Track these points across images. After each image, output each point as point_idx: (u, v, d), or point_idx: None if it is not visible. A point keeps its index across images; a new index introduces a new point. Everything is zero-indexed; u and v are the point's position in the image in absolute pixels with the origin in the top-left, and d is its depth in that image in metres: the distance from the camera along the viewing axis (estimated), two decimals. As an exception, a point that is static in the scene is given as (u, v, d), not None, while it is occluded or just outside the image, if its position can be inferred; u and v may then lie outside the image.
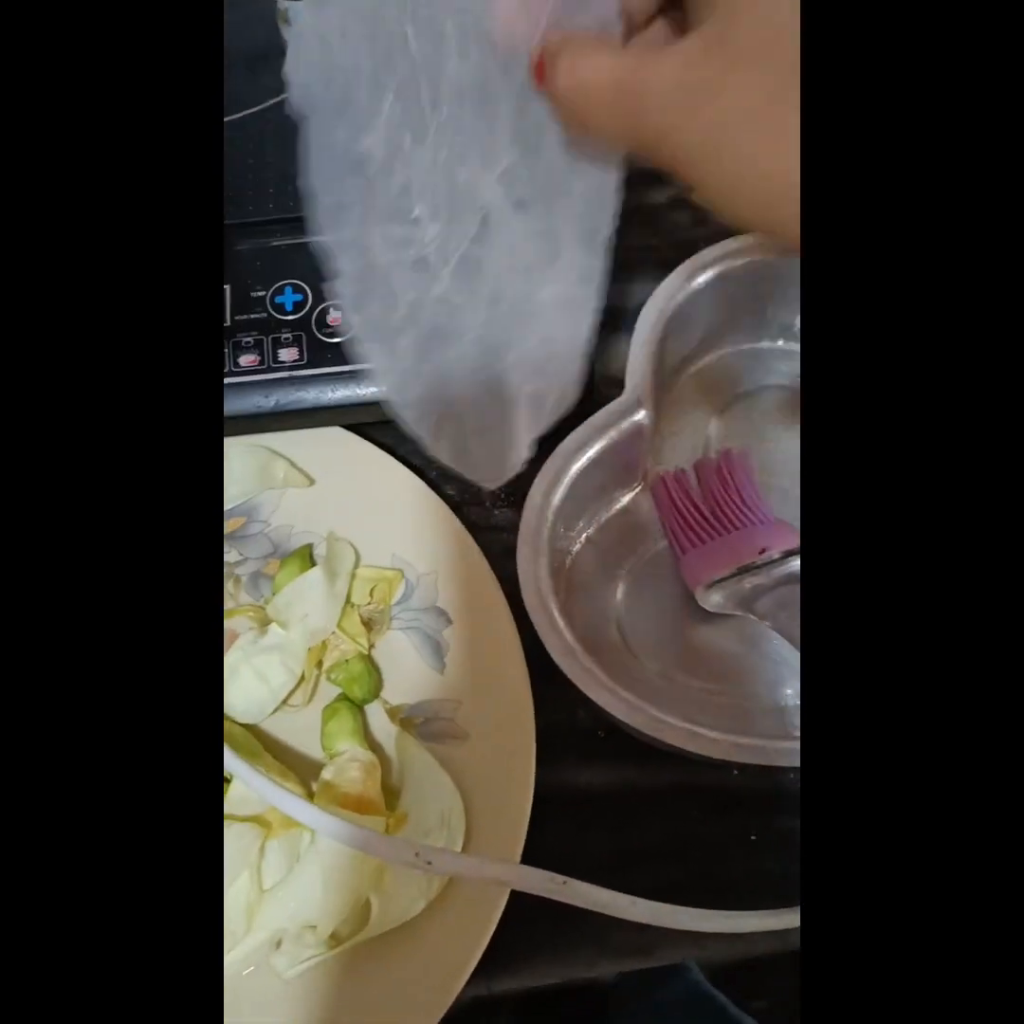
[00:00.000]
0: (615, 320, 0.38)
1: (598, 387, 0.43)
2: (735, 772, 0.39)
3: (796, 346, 0.43)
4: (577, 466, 0.37)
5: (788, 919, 0.34)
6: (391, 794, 0.37)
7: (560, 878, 0.32)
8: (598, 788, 0.39)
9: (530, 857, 0.36)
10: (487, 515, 0.43)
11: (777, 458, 0.42)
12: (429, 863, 0.32)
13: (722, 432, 0.42)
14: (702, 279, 0.39)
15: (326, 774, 0.37)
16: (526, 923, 0.36)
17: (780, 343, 0.44)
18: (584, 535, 0.40)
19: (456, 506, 0.42)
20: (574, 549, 0.40)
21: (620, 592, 0.40)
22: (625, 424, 0.37)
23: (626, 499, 0.41)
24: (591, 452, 0.37)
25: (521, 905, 0.34)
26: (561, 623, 0.34)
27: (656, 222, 0.49)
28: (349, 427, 0.42)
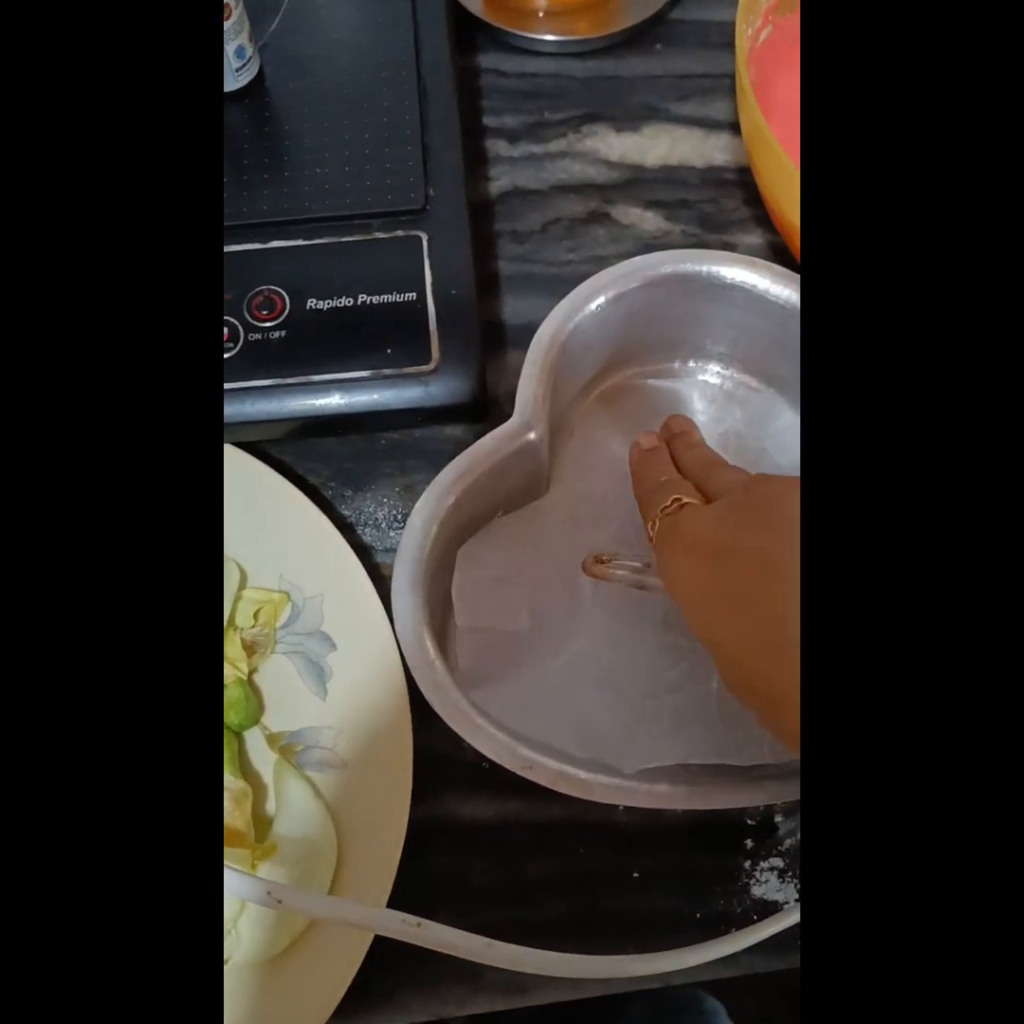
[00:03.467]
0: (524, 337, 0.37)
1: (493, 407, 0.43)
2: (620, 808, 0.38)
3: (709, 366, 0.42)
4: (462, 490, 0.36)
5: (658, 964, 0.33)
6: (263, 824, 0.36)
7: (414, 920, 0.31)
8: (481, 821, 0.38)
9: (409, 890, 0.35)
10: (382, 537, 0.42)
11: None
12: (280, 901, 0.31)
13: (622, 449, 0.41)
14: (599, 302, 0.38)
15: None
16: (396, 960, 0.35)
17: (691, 364, 0.43)
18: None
19: (348, 528, 0.42)
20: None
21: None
22: (514, 447, 0.36)
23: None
24: (478, 476, 0.36)
25: (392, 942, 0.33)
26: (433, 655, 0.33)
27: (574, 236, 0.48)
28: (240, 444, 0.41)
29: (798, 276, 0.37)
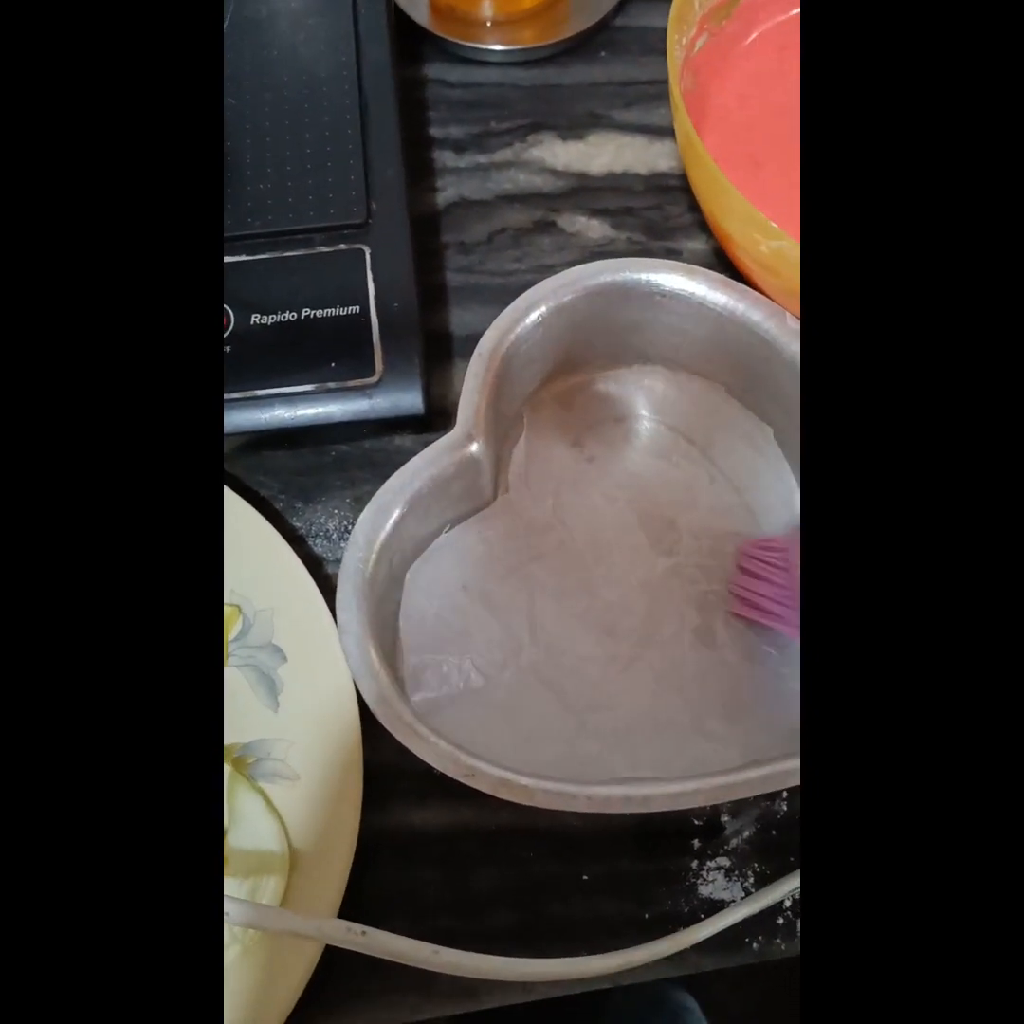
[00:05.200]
0: (471, 348, 0.38)
1: (441, 417, 0.43)
2: (569, 813, 0.38)
3: (655, 369, 0.43)
4: (405, 503, 0.36)
5: (600, 964, 0.33)
6: (216, 837, 0.37)
7: (359, 928, 0.31)
8: (433, 830, 0.38)
9: (362, 901, 0.36)
10: (333, 548, 0.42)
11: (642, 484, 0.41)
12: (228, 914, 0.31)
13: (581, 456, 0.42)
14: (539, 312, 0.38)
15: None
16: (348, 971, 0.35)
17: (635, 367, 0.43)
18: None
19: (299, 540, 0.42)
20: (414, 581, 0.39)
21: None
22: (455, 459, 0.36)
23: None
24: (420, 488, 0.36)
25: (343, 954, 0.34)
26: (377, 667, 0.34)
27: (520, 245, 0.48)
28: (187, 459, 0.41)
29: (733, 282, 0.38)
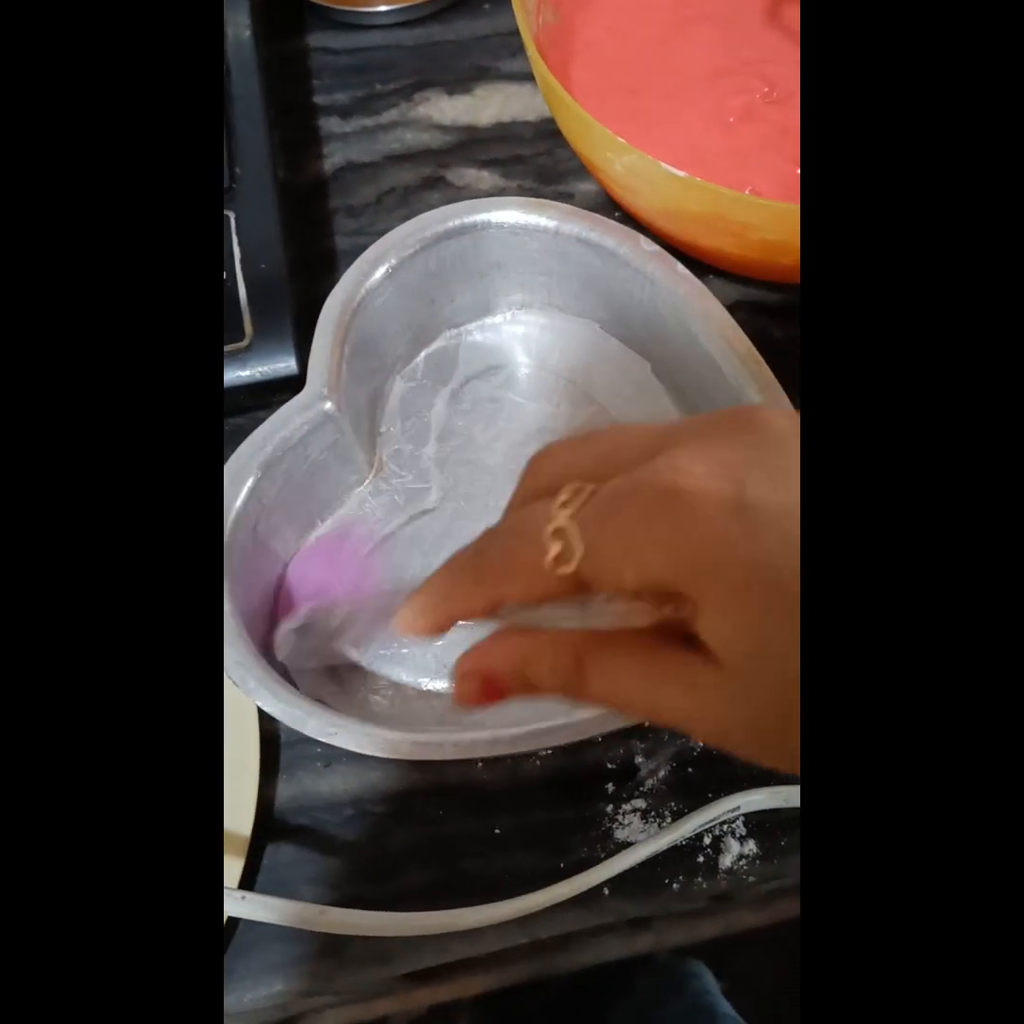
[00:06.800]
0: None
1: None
2: (479, 764, 0.37)
3: (528, 314, 0.42)
4: (257, 467, 0.35)
5: (498, 910, 0.32)
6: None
7: (238, 893, 0.31)
8: (342, 795, 0.37)
9: (271, 873, 0.35)
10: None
11: (525, 429, 0.40)
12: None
13: (458, 410, 0.41)
14: (390, 263, 0.37)
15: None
16: (256, 942, 0.35)
17: (509, 314, 0.42)
18: (314, 535, 0.39)
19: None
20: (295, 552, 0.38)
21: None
22: (309, 416, 0.35)
23: (351, 496, 0.40)
24: (271, 452, 0.35)
25: (250, 926, 0.33)
26: (236, 631, 0.33)
27: (409, 204, 0.48)
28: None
29: (584, 211, 0.37)
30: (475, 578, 0.22)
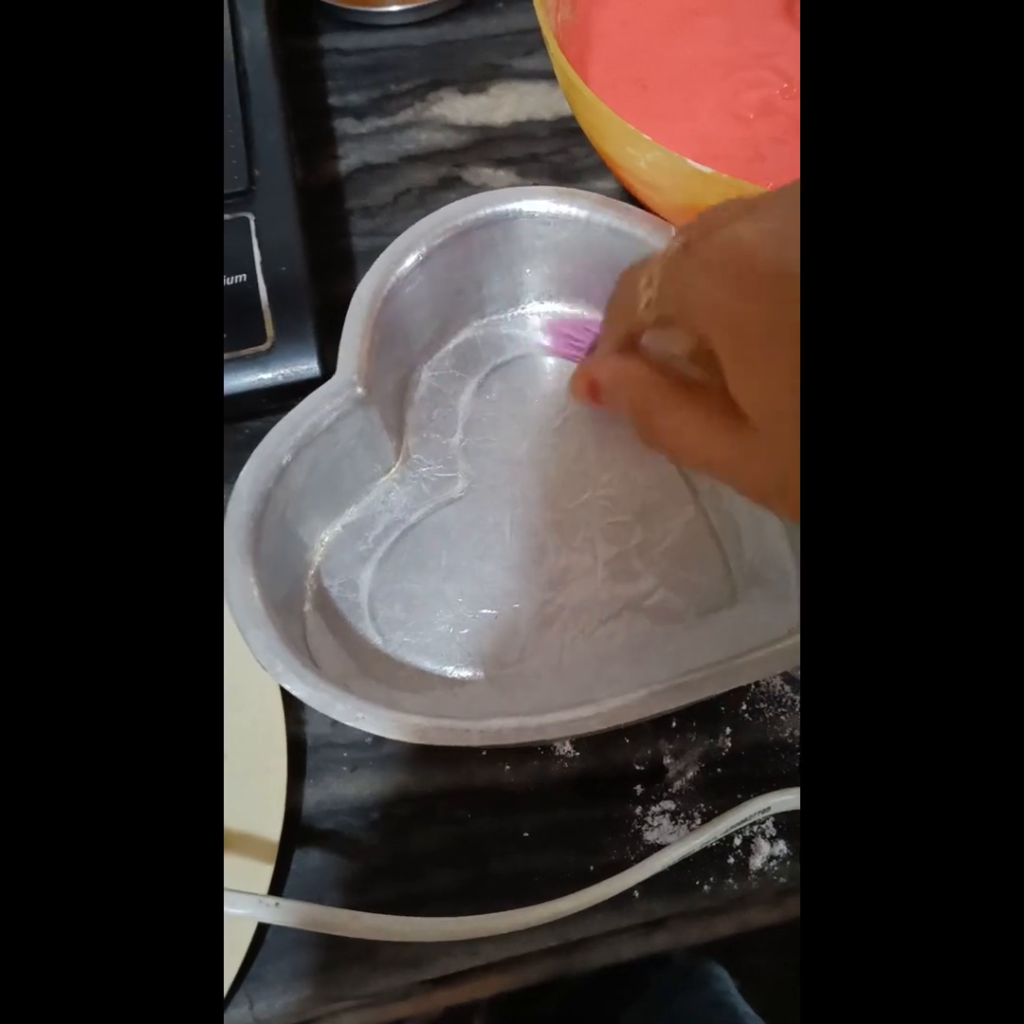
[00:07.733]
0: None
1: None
2: (505, 768, 0.37)
3: (555, 305, 0.41)
4: (289, 451, 0.34)
5: (531, 915, 0.32)
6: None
7: (271, 900, 0.30)
8: (368, 798, 0.37)
9: (301, 878, 0.35)
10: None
11: (549, 420, 0.40)
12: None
13: (484, 400, 0.40)
14: (420, 252, 0.37)
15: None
16: (285, 948, 0.34)
17: (538, 305, 0.42)
18: (339, 523, 0.39)
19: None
20: (325, 541, 0.38)
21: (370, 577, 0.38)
22: (339, 402, 0.35)
23: (377, 485, 0.39)
24: (301, 437, 0.35)
25: (279, 932, 0.33)
26: (264, 616, 0.32)
27: (425, 203, 0.47)
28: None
29: (614, 201, 0.37)
30: (607, 321, 0.34)
